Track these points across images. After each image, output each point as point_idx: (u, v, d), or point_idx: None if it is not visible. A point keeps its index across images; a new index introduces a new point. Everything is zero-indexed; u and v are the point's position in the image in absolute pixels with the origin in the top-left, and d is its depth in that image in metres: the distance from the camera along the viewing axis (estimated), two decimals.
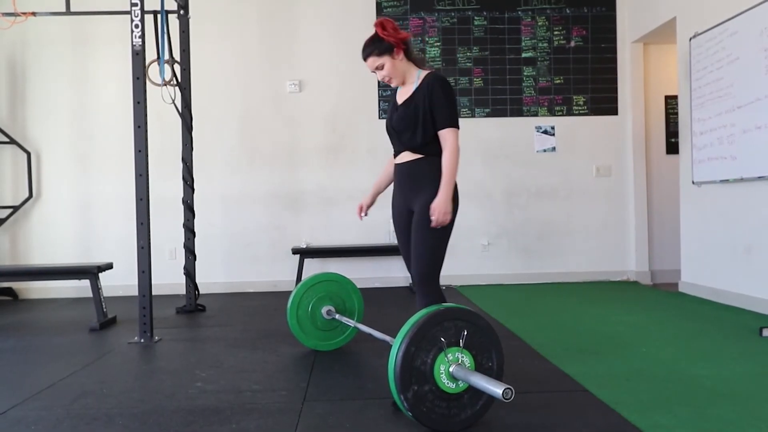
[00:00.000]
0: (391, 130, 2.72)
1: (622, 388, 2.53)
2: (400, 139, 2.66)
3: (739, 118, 4.39)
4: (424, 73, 2.65)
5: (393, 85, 2.73)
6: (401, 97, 2.70)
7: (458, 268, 5.78)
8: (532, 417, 2.23)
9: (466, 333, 2.07)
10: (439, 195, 2.46)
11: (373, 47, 2.64)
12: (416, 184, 2.59)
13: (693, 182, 5.01)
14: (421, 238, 2.52)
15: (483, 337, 2.12)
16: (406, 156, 2.64)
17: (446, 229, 2.55)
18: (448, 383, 2.04)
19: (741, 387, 2.53)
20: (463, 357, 2.06)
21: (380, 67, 2.66)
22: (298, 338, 3.33)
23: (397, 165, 2.70)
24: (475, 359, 2.09)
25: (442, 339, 2.04)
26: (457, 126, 2.55)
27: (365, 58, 2.68)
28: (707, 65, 4.77)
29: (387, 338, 2.71)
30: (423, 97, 2.57)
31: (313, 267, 5.75)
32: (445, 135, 2.54)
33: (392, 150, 2.74)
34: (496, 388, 1.86)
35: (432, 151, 2.57)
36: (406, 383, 2.00)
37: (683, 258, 5.23)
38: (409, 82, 2.69)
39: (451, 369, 2.03)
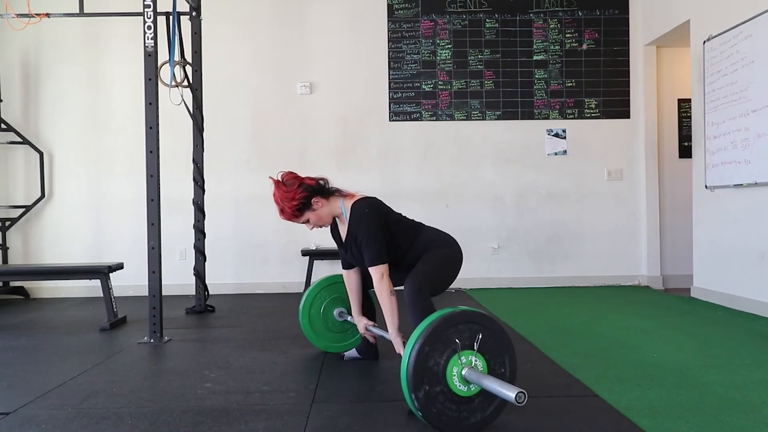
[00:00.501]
0: (345, 259, 2.92)
1: (633, 394, 2.51)
2: (365, 267, 2.78)
3: (754, 122, 4.35)
4: (347, 204, 2.75)
5: (329, 228, 2.89)
6: (342, 231, 2.85)
7: (468, 271, 5.69)
8: (542, 422, 2.21)
9: (480, 336, 2.06)
10: (389, 330, 2.67)
11: (292, 205, 2.70)
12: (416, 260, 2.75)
13: (706, 186, 4.96)
14: (424, 261, 2.69)
15: (497, 342, 2.10)
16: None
17: (449, 266, 2.74)
18: (459, 386, 2.02)
19: (754, 394, 2.50)
20: (476, 360, 2.05)
21: (305, 221, 2.78)
22: (309, 339, 3.33)
23: None
24: (488, 363, 2.07)
25: (457, 341, 2.03)
26: (379, 263, 2.63)
27: (287, 218, 2.76)
28: (721, 68, 4.73)
29: None
30: (355, 243, 2.71)
31: (323, 269, 5.75)
32: (371, 273, 2.66)
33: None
34: (509, 392, 1.85)
35: (403, 249, 2.74)
36: (418, 383, 1.99)
37: (695, 263, 5.18)
38: (338, 214, 2.81)
39: (463, 372, 2.02)
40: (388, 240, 2.71)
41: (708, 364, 2.98)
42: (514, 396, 1.82)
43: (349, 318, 3.27)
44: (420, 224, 2.88)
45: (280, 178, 2.75)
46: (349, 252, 2.82)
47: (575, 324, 4.08)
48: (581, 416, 2.26)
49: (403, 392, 2.03)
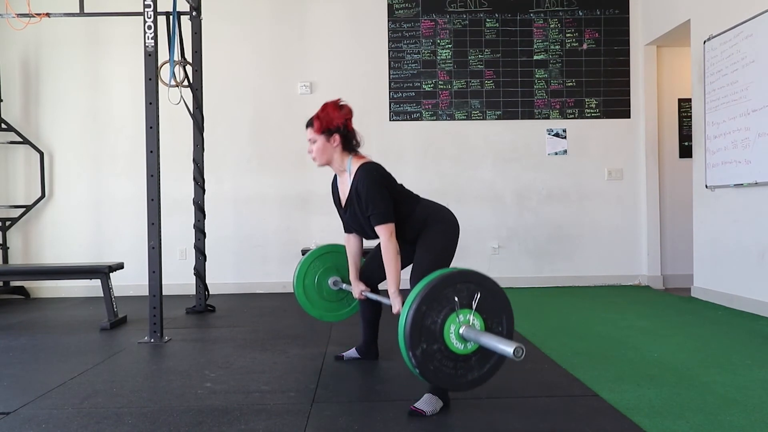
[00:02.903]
0: (346, 223, 2.91)
1: (634, 394, 2.51)
2: (363, 232, 2.82)
3: (754, 121, 4.35)
4: (355, 165, 2.74)
5: (316, 164, 2.88)
6: (342, 191, 2.85)
7: None
8: (543, 422, 2.21)
9: (478, 296, 2.06)
10: (389, 288, 2.63)
11: (318, 122, 2.77)
12: (413, 234, 2.75)
13: (706, 186, 4.96)
14: (426, 248, 2.68)
15: (494, 302, 2.11)
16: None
17: (449, 247, 2.72)
18: (456, 344, 2.03)
19: (754, 394, 2.50)
20: (474, 319, 2.05)
21: (312, 141, 2.81)
22: (304, 308, 3.33)
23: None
24: (485, 323, 2.08)
25: (455, 299, 2.03)
26: (386, 221, 2.63)
27: (306, 126, 2.82)
28: (721, 68, 4.73)
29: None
30: (357, 201, 2.70)
31: None
32: (378, 232, 2.66)
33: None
34: (507, 347, 1.85)
35: (402, 217, 2.71)
36: (415, 341, 1.99)
37: (696, 263, 5.18)
38: (342, 170, 2.82)
39: (461, 330, 2.02)
40: (394, 201, 2.70)
41: (708, 364, 2.98)
42: (512, 351, 1.83)
43: (344, 286, 3.26)
44: (417, 196, 2.86)
45: (341, 104, 2.80)
46: (348, 213, 2.79)
47: (575, 324, 4.08)
48: (581, 416, 2.26)
49: (401, 350, 2.03)
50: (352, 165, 2.75)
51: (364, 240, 2.97)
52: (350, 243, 2.99)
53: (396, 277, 2.62)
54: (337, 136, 2.76)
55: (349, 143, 2.80)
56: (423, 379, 2.03)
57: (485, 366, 2.09)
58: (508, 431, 2.13)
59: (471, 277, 2.09)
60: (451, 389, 2.08)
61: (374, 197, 2.63)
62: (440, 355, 2.03)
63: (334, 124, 2.75)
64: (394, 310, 2.58)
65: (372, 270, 2.96)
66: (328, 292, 3.32)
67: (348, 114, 2.79)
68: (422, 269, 2.60)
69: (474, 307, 2.06)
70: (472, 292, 2.07)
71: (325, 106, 2.77)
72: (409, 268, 2.74)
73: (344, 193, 2.82)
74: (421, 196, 2.89)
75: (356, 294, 2.97)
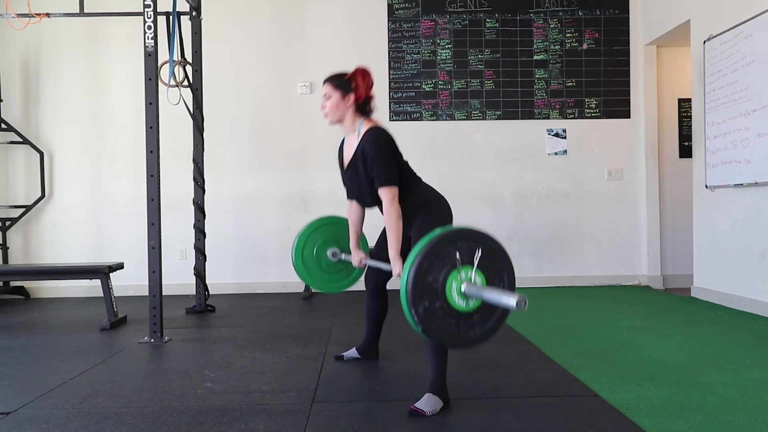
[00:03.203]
0: (348, 187, 2.87)
1: (634, 394, 2.51)
2: (362, 199, 2.79)
3: (754, 121, 4.35)
4: (365, 127, 2.71)
5: (327, 120, 2.83)
6: (347, 152, 2.81)
7: None
8: (542, 422, 2.21)
9: (480, 253, 2.06)
10: (390, 252, 2.57)
11: (336, 79, 2.77)
12: (409, 219, 2.68)
13: (706, 186, 4.96)
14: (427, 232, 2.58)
15: (496, 260, 2.11)
16: (379, 209, 2.75)
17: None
18: (458, 301, 2.03)
19: (754, 394, 2.50)
20: (475, 276, 2.05)
21: (328, 97, 2.77)
22: (303, 280, 3.33)
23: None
24: (487, 280, 2.08)
25: (457, 256, 2.03)
26: (390, 184, 2.59)
27: (324, 82, 2.80)
28: (721, 68, 4.73)
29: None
30: (362, 161, 2.66)
31: None
32: (380, 194, 2.61)
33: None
34: (509, 299, 1.85)
35: (401, 193, 2.65)
36: (417, 298, 1.99)
37: (696, 263, 5.18)
38: (351, 131, 2.79)
39: (462, 287, 2.02)
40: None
41: (708, 364, 2.98)
42: (515, 302, 1.83)
43: (343, 256, 3.25)
44: (419, 178, 2.83)
45: (367, 72, 2.80)
46: (350, 174, 2.77)
47: (575, 324, 4.08)
48: (581, 416, 2.26)
49: (403, 309, 2.03)
50: (362, 126, 2.73)
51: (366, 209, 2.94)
52: (352, 210, 2.96)
53: (397, 240, 2.56)
54: (352, 96, 2.74)
55: (363, 107, 2.78)
56: (425, 336, 2.02)
57: (487, 323, 2.09)
58: (508, 431, 2.13)
59: (472, 234, 2.09)
60: (453, 347, 2.08)
61: (381, 159, 2.60)
62: (442, 313, 2.02)
63: (353, 85, 2.74)
64: (395, 273, 2.54)
65: (377, 270, 2.96)
66: (327, 263, 3.30)
67: (370, 83, 2.78)
68: None
69: (475, 264, 2.05)
70: (473, 249, 2.06)
71: (355, 71, 2.77)
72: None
73: (349, 155, 2.79)
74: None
75: (356, 262, 2.96)
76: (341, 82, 2.75)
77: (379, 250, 2.90)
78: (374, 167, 2.61)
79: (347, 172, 2.81)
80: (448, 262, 2.03)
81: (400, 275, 2.45)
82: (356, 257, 2.96)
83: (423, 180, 2.82)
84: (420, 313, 1.99)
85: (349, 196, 2.92)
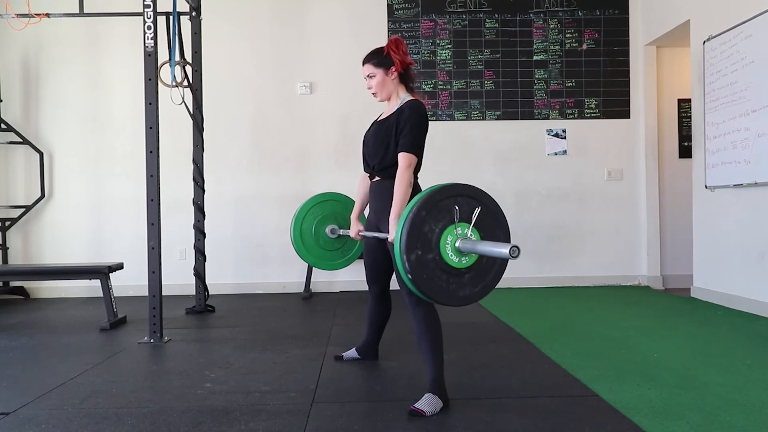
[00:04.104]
0: (364, 147, 2.83)
1: (634, 394, 2.51)
2: (371, 158, 2.76)
3: (754, 122, 4.35)
4: (408, 98, 2.70)
5: (377, 99, 2.82)
6: (383, 116, 2.79)
7: None
8: (542, 422, 2.21)
9: (478, 211, 2.06)
10: (391, 213, 2.52)
11: (375, 57, 2.77)
12: (384, 206, 2.66)
13: (706, 186, 4.96)
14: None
15: (493, 219, 2.12)
16: (376, 177, 2.75)
17: None
18: (452, 256, 2.03)
19: (754, 394, 2.50)
20: (471, 234, 2.05)
21: (372, 76, 2.77)
22: (299, 254, 3.34)
23: (371, 183, 2.79)
24: (482, 238, 2.08)
25: (456, 210, 2.03)
26: (414, 153, 2.57)
27: (364, 63, 2.81)
28: (721, 68, 4.73)
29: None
30: (396, 118, 2.64)
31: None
32: (400, 158, 2.58)
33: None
34: (502, 249, 1.86)
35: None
36: (411, 245, 1.98)
37: (695, 263, 5.18)
38: (394, 103, 2.77)
39: (457, 243, 2.01)
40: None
41: (708, 364, 2.98)
42: (507, 251, 1.82)
43: (341, 232, 3.25)
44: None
45: (398, 41, 2.78)
46: (374, 129, 2.75)
47: (575, 324, 4.08)
48: (581, 416, 2.26)
49: (395, 254, 2.02)
50: (407, 97, 2.72)
51: None
52: (364, 182, 2.96)
53: (401, 203, 2.49)
54: (393, 69, 2.74)
55: (405, 76, 2.77)
56: (414, 287, 2.02)
57: (478, 285, 2.09)
58: (508, 431, 2.13)
59: (472, 192, 2.10)
60: (440, 303, 2.05)
61: (414, 126, 2.57)
62: (434, 265, 2.02)
63: (392, 58, 2.73)
64: (390, 237, 2.48)
65: (376, 269, 2.95)
66: (324, 240, 3.31)
67: (404, 50, 2.76)
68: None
69: (473, 222, 2.05)
70: (473, 207, 2.06)
71: (388, 42, 2.76)
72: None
73: (385, 115, 2.78)
74: None
75: (353, 233, 2.97)
76: (381, 59, 2.75)
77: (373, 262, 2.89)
78: (405, 130, 2.58)
79: (373, 127, 2.79)
80: (446, 215, 2.02)
81: (390, 226, 2.46)
82: (354, 228, 2.97)
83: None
84: (412, 261, 1.98)
85: (366, 169, 2.87)
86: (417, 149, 2.57)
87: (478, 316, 4.41)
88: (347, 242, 3.29)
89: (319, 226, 3.28)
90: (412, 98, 2.70)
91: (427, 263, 2.00)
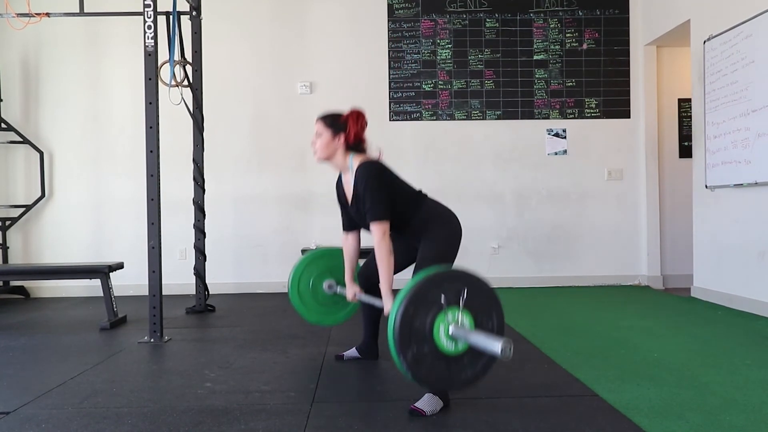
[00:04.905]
0: (345, 212, 2.90)
1: (633, 394, 2.51)
2: (360, 222, 2.80)
3: (754, 121, 4.35)
4: (356, 163, 2.73)
5: (315, 158, 2.87)
6: (347, 189, 2.84)
7: None
8: (542, 422, 2.21)
9: (466, 293, 2.05)
10: (381, 287, 2.60)
11: (329, 118, 2.83)
12: (416, 236, 2.74)
13: (706, 186, 4.96)
14: (430, 249, 2.68)
15: (483, 298, 2.10)
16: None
17: (451, 250, 2.71)
18: (447, 344, 2.02)
19: (754, 394, 2.50)
20: (462, 317, 2.04)
21: (318, 135, 2.82)
22: (300, 314, 3.31)
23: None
24: (474, 320, 2.07)
25: (442, 299, 2.02)
26: (382, 218, 2.61)
27: (317, 120, 2.86)
28: (721, 68, 4.73)
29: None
30: (359, 198, 2.68)
31: None
32: (372, 229, 2.63)
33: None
34: (494, 345, 1.84)
35: (405, 217, 2.71)
36: (405, 344, 1.98)
37: (696, 263, 5.18)
38: (344, 168, 2.82)
39: (450, 329, 2.01)
40: (393, 200, 2.68)
41: (708, 364, 2.98)
42: (500, 349, 1.82)
43: (338, 289, 3.24)
44: (424, 196, 2.84)
45: (361, 114, 2.84)
46: (355, 210, 2.78)
47: (575, 324, 4.08)
48: (581, 416, 2.26)
49: (392, 354, 2.02)
50: (354, 162, 2.75)
51: (361, 241, 2.98)
52: (348, 243, 2.98)
53: (388, 276, 2.59)
54: (342, 137, 2.77)
55: (354, 147, 2.80)
56: (416, 381, 2.03)
57: (478, 364, 2.08)
58: (508, 431, 2.13)
59: (456, 275, 2.09)
60: (443, 389, 2.07)
61: (370, 195, 2.62)
62: (432, 357, 2.02)
63: (347, 128, 2.76)
64: (386, 310, 2.56)
65: (372, 269, 2.95)
66: (323, 296, 3.29)
67: (363, 125, 2.81)
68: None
69: (461, 304, 2.04)
70: (459, 290, 2.05)
71: (349, 113, 2.81)
72: (408, 270, 2.74)
73: (349, 191, 2.81)
74: (423, 192, 2.87)
75: (350, 296, 2.98)
76: (333, 122, 2.79)
77: (372, 261, 2.89)
78: (366, 204, 2.63)
79: (353, 208, 2.83)
80: (434, 305, 2.02)
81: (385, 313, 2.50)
82: (350, 291, 2.98)
83: (428, 196, 2.85)
84: (409, 360, 1.98)
85: (346, 228, 2.96)
86: (382, 214, 2.61)
87: None
88: (344, 297, 3.26)
89: (317, 283, 3.28)
90: (360, 161, 2.73)
91: (424, 357, 2.01)
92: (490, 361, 2.09)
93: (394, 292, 2.53)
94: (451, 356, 2.03)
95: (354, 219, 2.87)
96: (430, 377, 2.01)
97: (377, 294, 3.04)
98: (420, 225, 2.73)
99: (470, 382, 2.08)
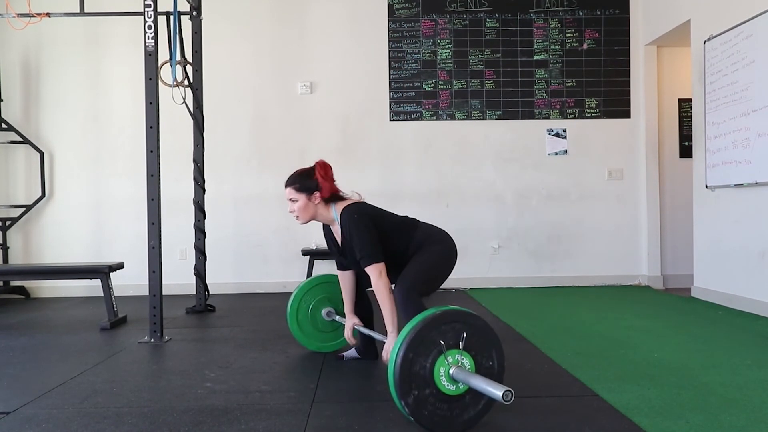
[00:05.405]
0: (343, 256, 2.91)
1: (634, 394, 2.51)
2: (357, 265, 2.80)
3: (754, 121, 4.35)
4: (339, 210, 2.77)
5: (299, 223, 2.87)
6: (337, 237, 2.87)
7: (468, 270, 5.75)
8: (542, 421, 2.21)
9: (465, 335, 2.05)
10: (387, 325, 2.64)
11: (298, 182, 2.82)
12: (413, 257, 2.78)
13: (706, 186, 4.96)
14: (415, 261, 2.72)
15: (482, 338, 2.10)
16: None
17: (441, 265, 2.75)
18: (448, 385, 2.02)
19: (754, 394, 2.50)
20: (462, 359, 2.04)
21: (293, 201, 2.81)
22: (300, 342, 3.33)
23: None
24: (475, 360, 2.07)
25: (441, 342, 2.02)
26: (375, 261, 2.64)
27: (286, 185, 2.85)
28: (722, 68, 4.72)
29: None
30: (350, 245, 2.71)
31: (323, 268, 5.74)
32: (369, 272, 2.66)
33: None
34: (495, 391, 1.85)
35: (401, 249, 2.75)
36: (406, 389, 1.99)
37: (696, 263, 5.18)
38: (330, 220, 2.84)
39: (451, 371, 2.01)
40: (384, 238, 2.71)
41: (708, 364, 2.98)
42: (501, 395, 1.82)
43: (337, 318, 3.26)
44: (415, 221, 2.89)
45: (322, 165, 2.87)
46: (350, 256, 2.82)
47: (575, 324, 4.08)
48: (581, 416, 2.26)
49: (393, 399, 2.04)
50: (337, 211, 2.79)
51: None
52: (344, 279, 3.01)
53: (391, 313, 2.63)
54: (317, 194, 2.80)
55: (331, 198, 2.83)
56: (418, 424, 2.03)
57: (480, 403, 2.08)
58: (508, 431, 2.13)
59: (455, 316, 2.08)
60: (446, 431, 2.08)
61: (359, 240, 2.65)
62: (433, 399, 2.02)
63: (316, 183, 2.80)
64: (387, 346, 2.64)
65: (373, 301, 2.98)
66: (322, 323, 3.30)
67: (330, 174, 2.84)
68: (406, 280, 2.65)
69: (461, 346, 2.05)
70: (458, 332, 2.05)
71: (314, 166, 2.86)
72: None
73: (339, 237, 2.86)
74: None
75: (348, 329, 3.02)
76: (303, 185, 2.80)
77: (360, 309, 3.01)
78: (357, 250, 2.66)
79: (341, 254, 2.88)
80: (434, 348, 2.02)
81: (386, 355, 2.53)
82: (348, 324, 3.02)
83: (420, 221, 2.90)
84: (411, 404, 1.99)
85: (339, 268, 2.99)
86: (375, 256, 2.64)
87: None
88: (343, 325, 3.26)
89: (315, 311, 3.28)
90: (343, 207, 2.76)
91: (426, 400, 2.01)
92: (491, 401, 2.09)
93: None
94: (453, 397, 2.04)
95: (351, 263, 2.90)
96: (432, 420, 2.02)
97: (362, 294, 3.09)
98: (414, 249, 2.77)
99: (473, 422, 2.08)
